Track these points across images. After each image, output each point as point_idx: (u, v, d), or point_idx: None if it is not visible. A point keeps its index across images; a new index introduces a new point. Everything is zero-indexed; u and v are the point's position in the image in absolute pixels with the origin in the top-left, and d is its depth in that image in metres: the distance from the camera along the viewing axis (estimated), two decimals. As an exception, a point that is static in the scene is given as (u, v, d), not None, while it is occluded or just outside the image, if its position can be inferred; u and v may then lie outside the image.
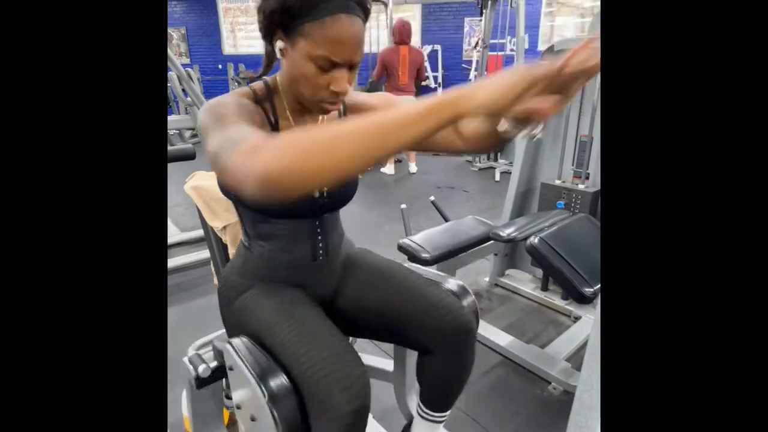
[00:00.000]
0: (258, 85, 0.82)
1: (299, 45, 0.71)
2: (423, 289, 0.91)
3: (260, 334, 0.84)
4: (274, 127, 0.81)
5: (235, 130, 0.60)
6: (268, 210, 0.86)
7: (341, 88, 0.74)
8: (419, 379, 0.98)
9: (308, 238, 0.91)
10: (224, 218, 1.16)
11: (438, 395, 0.97)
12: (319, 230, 0.92)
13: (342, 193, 0.91)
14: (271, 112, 0.80)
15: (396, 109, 0.51)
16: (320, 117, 0.88)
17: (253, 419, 0.79)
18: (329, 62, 0.71)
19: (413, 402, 1.20)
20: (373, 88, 4.92)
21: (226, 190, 0.86)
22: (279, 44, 0.74)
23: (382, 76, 4.43)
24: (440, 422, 1.00)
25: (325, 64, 0.72)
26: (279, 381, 0.75)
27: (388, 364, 1.27)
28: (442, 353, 0.90)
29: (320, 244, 0.93)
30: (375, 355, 1.38)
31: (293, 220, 0.89)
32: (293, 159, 0.49)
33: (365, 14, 0.73)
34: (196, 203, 1.19)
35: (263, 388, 0.74)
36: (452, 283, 1.02)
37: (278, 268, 0.92)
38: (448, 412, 1.00)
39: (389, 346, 1.21)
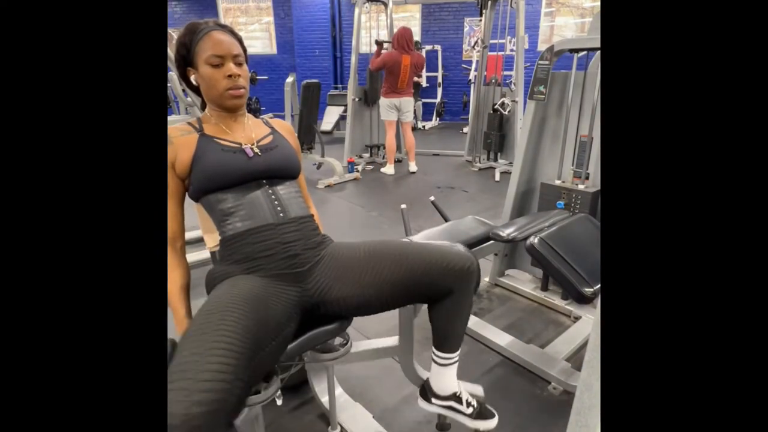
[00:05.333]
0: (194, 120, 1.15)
1: (199, 64, 1.05)
2: (424, 250, 1.06)
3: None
4: (201, 131, 1.10)
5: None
6: (218, 179, 1.04)
7: (232, 71, 1.05)
8: (434, 325, 1.12)
9: (264, 202, 1.06)
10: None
11: (449, 334, 1.11)
12: (272, 195, 1.08)
13: (272, 156, 1.11)
14: (198, 125, 1.11)
15: (177, 308, 1.04)
16: (244, 121, 1.15)
17: None
18: (216, 57, 1.04)
19: (419, 369, 1.40)
20: (372, 87, 4.93)
21: (191, 196, 1.09)
22: (192, 77, 1.09)
23: (381, 68, 4.44)
24: (455, 363, 1.15)
25: (215, 60, 1.04)
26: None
27: (392, 341, 1.39)
28: (455, 293, 1.06)
29: (278, 207, 1.07)
30: (378, 337, 1.47)
31: (244, 189, 1.06)
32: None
33: (233, 34, 1.09)
34: (200, 219, 1.21)
35: None
36: (460, 247, 1.12)
37: (249, 240, 1.03)
38: (458, 353, 1.15)
39: (392, 328, 1.21)
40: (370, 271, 1.05)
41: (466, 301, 1.09)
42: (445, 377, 1.16)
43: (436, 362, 1.15)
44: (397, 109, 4.53)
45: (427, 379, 1.21)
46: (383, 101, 4.52)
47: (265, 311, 0.92)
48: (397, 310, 1.23)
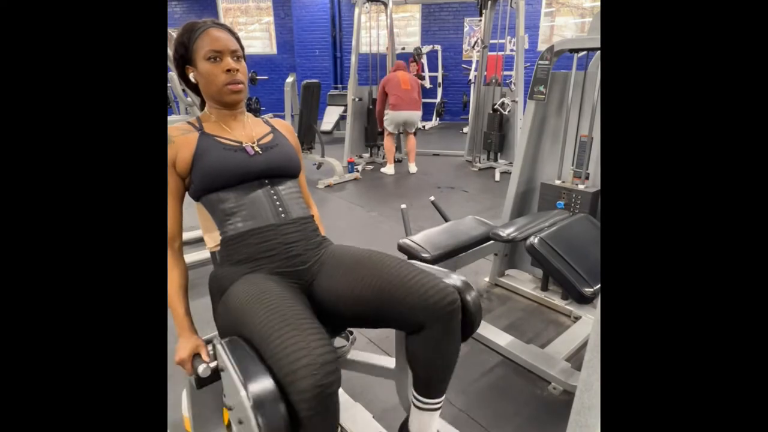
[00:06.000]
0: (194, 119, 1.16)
1: (198, 60, 1.05)
2: (406, 271, 0.96)
3: (240, 323, 0.90)
4: (201, 129, 1.10)
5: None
6: (219, 178, 1.04)
7: (230, 65, 1.04)
8: (410, 363, 1.01)
9: (265, 202, 1.06)
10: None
11: (429, 377, 1.00)
12: (274, 195, 1.08)
13: (273, 154, 1.11)
14: (198, 124, 1.11)
15: (176, 307, 1.04)
16: (244, 120, 1.15)
17: (240, 422, 0.78)
18: (214, 52, 1.03)
19: None
20: (372, 130, 5.01)
21: (192, 195, 1.08)
22: (191, 75, 1.08)
23: (384, 102, 4.54)
24: (435, 410, 1.03)
25: (213, 55, 1.03)
26: (264, 385, 0.75)
27: (390, 362, 1.30)
28: (428, 330, 0.93)
29: (279, 207, 1.07)
30: (377, 354, 1.39)
31: (245, 188, 1.06)
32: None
33: (230, 31, 1.09)
34: (200, 218, 1.21)
35: (248, 393, 0.73)
36: (455, 279, 1.01)
37: (251, 240, 1.03)
38: (441, 399, 1.03)
39: (389, 346, 1.20)
40: (355, 276, 1.00)
41: (446, 342, 0.94)
42: (423, 423, 1.04)
43: (414, 404, 1.04)
44: (401, 125, 4.57)
45: (407, 417, 1.09)
46: (389, 114, 4.54)
47: (298, 299, 0.95)
48: (394, 331, 1.15)
